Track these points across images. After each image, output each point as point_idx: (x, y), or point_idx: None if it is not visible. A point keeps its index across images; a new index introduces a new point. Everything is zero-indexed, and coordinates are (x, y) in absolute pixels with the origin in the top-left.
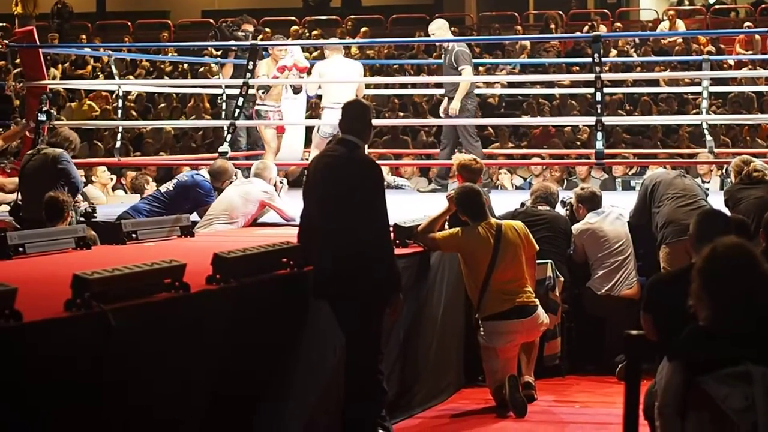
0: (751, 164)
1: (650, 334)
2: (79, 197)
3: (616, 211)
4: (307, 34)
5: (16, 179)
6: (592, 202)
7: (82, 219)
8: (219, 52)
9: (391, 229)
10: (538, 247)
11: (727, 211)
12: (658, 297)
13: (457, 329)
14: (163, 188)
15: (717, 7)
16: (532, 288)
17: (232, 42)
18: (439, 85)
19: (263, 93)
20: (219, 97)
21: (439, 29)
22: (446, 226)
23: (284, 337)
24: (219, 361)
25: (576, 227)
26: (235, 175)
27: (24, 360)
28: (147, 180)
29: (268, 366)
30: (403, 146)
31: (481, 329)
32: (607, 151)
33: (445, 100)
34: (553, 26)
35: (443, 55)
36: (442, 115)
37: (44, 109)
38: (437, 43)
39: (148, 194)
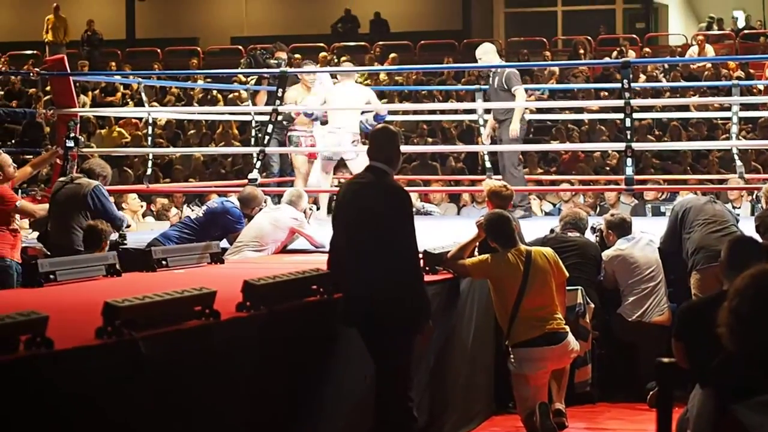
0: None
1: (682, 361)
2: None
3: (646, 237)
4: (336, 60)
5: (46, 206)
6: (621, 229)
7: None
8: (249, 79)
9: (421, 255)
10: (567, 274)
11: (758, 237)
12: (689, 324)
13: (488, 356)
14: (192, 215)
15: (746, 32)
16: (562, 315)
17: (262, 69)
18: (468, 111)
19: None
20: (252, 124)
21: (486, 54)
22: (476, 253)
23: (314, 364)
24: (249, 388)
25: (606, 253)
26: (265, 202)
27: (55, 387)
28: (167, 214)
29: (299, 393)
30: (432, 172)
31: (512, 356)
32: (636, 176)
33: (487, 124)
34: (581, 51)
35: (491, 78)
36: (485, 141)
37: (71, 135)
38: (486, 68)
39: (178, 221)
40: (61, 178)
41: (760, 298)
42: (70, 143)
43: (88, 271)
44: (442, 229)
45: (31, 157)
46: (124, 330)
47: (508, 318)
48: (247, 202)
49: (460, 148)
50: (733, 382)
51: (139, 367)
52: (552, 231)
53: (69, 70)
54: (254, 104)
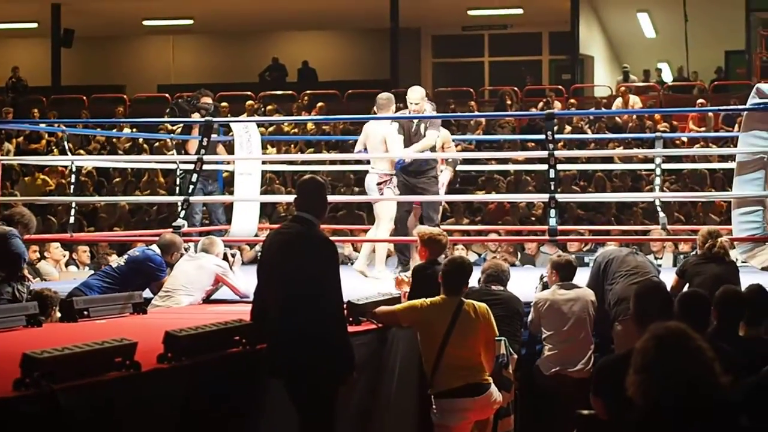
0: (718, 239)
1: (602, 414)
2: (27, 273)
3: (581, 287)
4: (263, 109)
5: None
6: (565, 271)
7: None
8: (176, 128)
9: (345, 306)
10: (497, 333)
11: (671, 278)
12: (607, 380)
13: (412, 407)
14: (114, 264)
15: (670, 84)
16: (488, 372)
17: (188, 117)
18: None
19: None
20: (177, 173)
21: (423, 99)
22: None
23: (238, 415)
24: None
25: (538, 295)
26: (186, 249)
27: None
28: (107, 259)
29: None
30: (358, 221)
31: (434, 406)
32: (561, 227)
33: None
34: (508, 102)
35: (418, 123)
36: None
37: None
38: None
39: (100, 270)
40: None
41: (663, 357)
42: None
43: (7, 322)
44: (369, 280)
45: None
46: (42, 382)
47: (432, 365)
48: (166, 248)
49: (387, 198)
50: None
51: (57, 420)
52: (478, 281)
53: None
54: (187, 151)
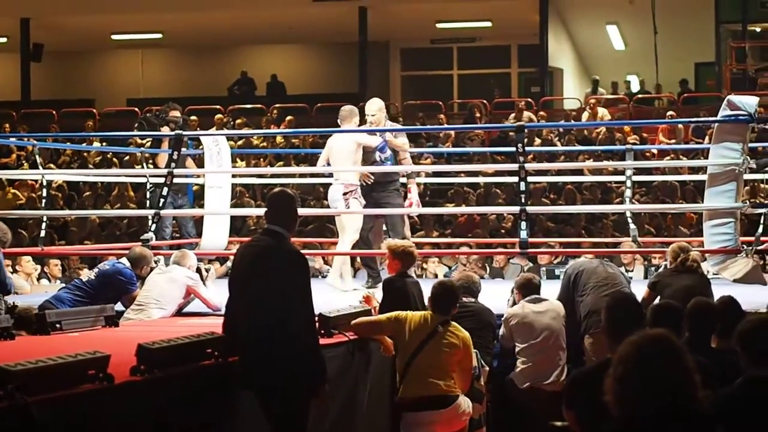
0: (689, 253)
1: (575, 428)
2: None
3: (549, 300)
4: (232, 123)
5: None
6: (527, 289)
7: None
8: (145, 141)
9: (316, 319)
10: (474, 364)
11: (642, 290)
12: (579, 392)
13: (384, 419)
14: (84, 277)
15: (640, 96)
16: (461, 389)
17: (157, 131)
18: None
19: None
20: (147, 187)
21: (381, 111)
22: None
23: (210, 428)
24: None
25: (508, 311)
26: (156, 262)
27: None
28: (78, 272)
29: None
30: (328, 235)
31: (401, 421)
32: (531, 239)
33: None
34: (477, 115)
35: (382, 135)
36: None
37: None
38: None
39: (71, 283)
40: None
41: (644, 364)
42: None
43: None
44: (341, 293)
45: None
46: (16, 394)
47: (402, 370)
48: (136, 262)
49: (359, 211)
50: None
51: None
52: None
53: None
54: (156, 165)
